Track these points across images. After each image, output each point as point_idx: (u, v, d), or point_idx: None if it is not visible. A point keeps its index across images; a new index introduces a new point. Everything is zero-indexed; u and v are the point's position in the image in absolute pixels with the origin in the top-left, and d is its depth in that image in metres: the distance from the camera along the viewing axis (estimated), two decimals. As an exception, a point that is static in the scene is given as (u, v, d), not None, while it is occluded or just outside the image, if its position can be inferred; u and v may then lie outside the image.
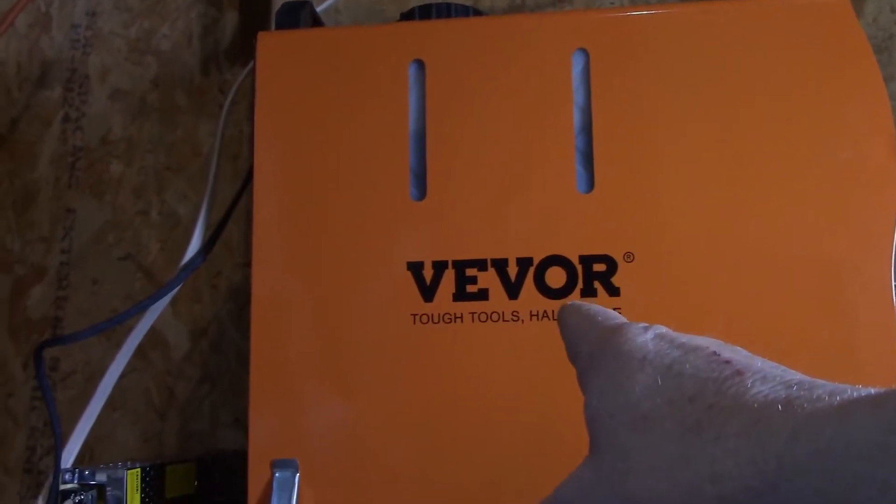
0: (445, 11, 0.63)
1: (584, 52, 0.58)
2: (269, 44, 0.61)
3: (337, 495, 0.57)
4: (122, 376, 0.67)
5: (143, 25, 0.92)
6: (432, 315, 0.57)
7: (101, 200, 0.90)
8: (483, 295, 0.57)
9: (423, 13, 0.62)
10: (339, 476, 0.57)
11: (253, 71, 0.70)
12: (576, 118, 0.58)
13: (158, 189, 0.89)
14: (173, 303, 0.82)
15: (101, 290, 0.88)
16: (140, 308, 0.62)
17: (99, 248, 0.89)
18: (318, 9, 0.71)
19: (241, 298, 0.86)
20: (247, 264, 0.86)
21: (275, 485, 0.56)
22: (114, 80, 0.92)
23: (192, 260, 0.63)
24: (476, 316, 0.57)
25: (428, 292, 0.57)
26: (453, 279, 0.57)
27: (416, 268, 0.58)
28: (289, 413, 0.58)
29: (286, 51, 0.61)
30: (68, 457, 0.62)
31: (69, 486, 0.60)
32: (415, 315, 0.57)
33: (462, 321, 0.57)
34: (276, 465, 0.57)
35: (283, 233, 0.60)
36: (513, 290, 0.56)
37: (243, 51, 0.91)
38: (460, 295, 0.57)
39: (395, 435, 0.57)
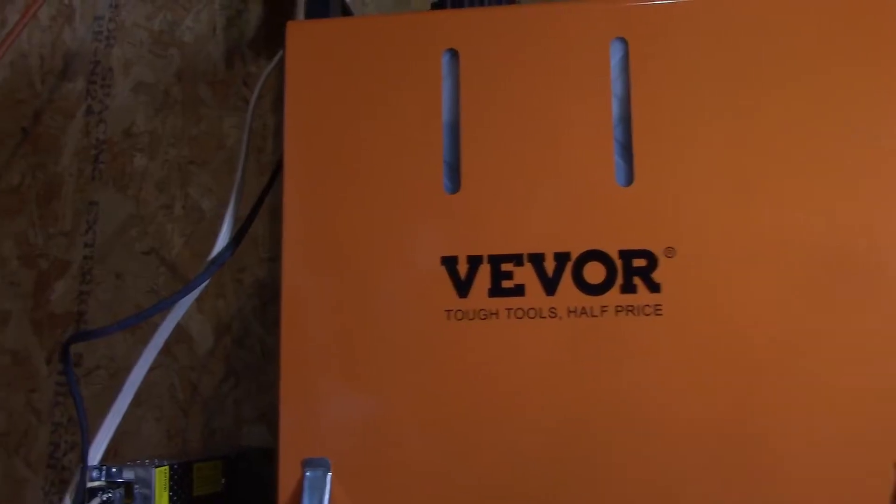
0: (479, 0, 0.61)
1: (623, 40, 0.57)
2: (299, 33, 0.60)
3: (368, 494, 0.55)
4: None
5: (166, 17, 0.91)
6: (467, 311, 0.56)
7: (124, 194, 0.89)
8: (519, 290, 0.55)
9: (456, 1, 0.61)
10: (370, 475, 0.56)
11: (279, 63, 0.69)
12: (614, 109, 0.56)
13: (182, 183, 0.88)
14: (197, 298, 0.81)
15: (125, 284, 0.87)
16: (169, 303, 0.61)
17: (122, 242, 0.88)
18: (347, -1, 0.70)
19: (265, 294, 0.85)
20: (272, 259, 0.85)
21: (306, 484, 0.55)
22: (137, 72, 0.91)
23: (222, 254, 0.62)
24: (512, 312, 0.55)
25: (462, 287, 0.56)
26: (489, 274, 0.56)
27: (450, 262, 0.56)
28: (319, 411, 0.57)
29: (316, 40, 0.60)
30: (95, 453, 0.61)
31: (96, 483, 0.59)
32: (449, 311, 0.56)
33: (497, 317, 0.55)
34: (307, 464, 0.56)
35: (314, 226, 0.58)
36: (550, 285, 0.55)
37: (267, 43, 0.90)
38: (496, 290, 0.56)
39: (427, 433, 0.55)
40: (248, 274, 0.85)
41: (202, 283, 0.61)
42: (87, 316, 0.87)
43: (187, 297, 0.63)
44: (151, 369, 0.64)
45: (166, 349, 0.84)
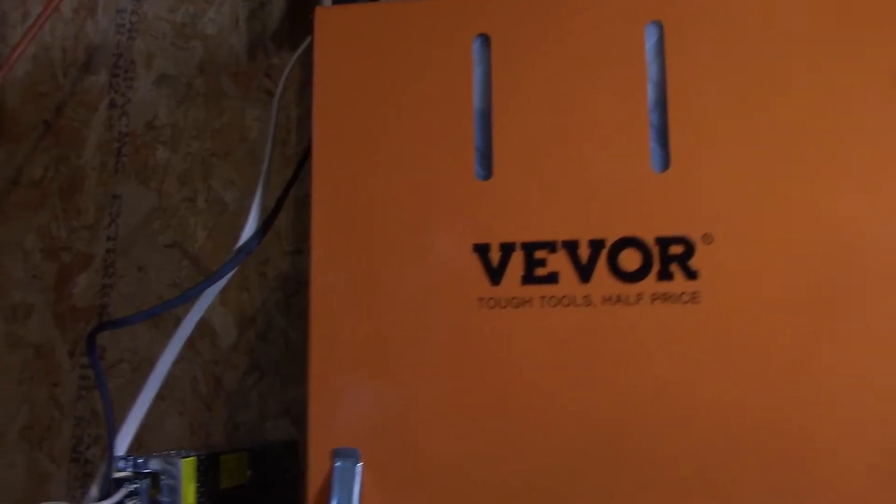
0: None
1: (658, 24, 0.56)
2: (327, 19, 0.59)
3: (399, 485, 0.55)
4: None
5: (188, 10, 0.91)
6: (499, 299, 0.55)
7: (147, 187, 0.88)
8: (553, 278, 0.54)
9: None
10: (400, 465, 0.55)
11: (304, 52, 0.68)
12: (650, 93, 0.55)
13: (205, 175, 0.87)
14: (221, 291, 0.81)
15: (148, 277, 0.87)
16: (195, 293, 0.61)
17: (145, 235, 0.88)
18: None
19: (289, 287, 0.84)
20: (296, 252, 0.84)
21: (335, 474, 0.54)
22: (159, 65, 0.90)
23: (249, 242, 0.61)
24: (546, 300, 0.54)
25: (495, 275, 0.55)
26: (522, 261, 0.55)
27: (482, 250, 0.55)
28: (349, 401, 0.56)
29: (345, 26, 0.59)
30: (121, 445, 0.60)
31: (123, 473, 0.58)
32: (481, 299, 0.55)
33: (531, 305, 0.54)
34: (337, 454, 0.55)
35: (342, 215, 0.57)
36: (584, 272, 0.54)
37: (290, 35, 0.89)
38: (529, 278, 0.55)
39: (458, 422, 0.54)
40: (271, 267, 0.84)
41: (229, 271, 0.61)
42: (109, 309, 0.87)
43: (212, 287, 0.62)
44: (174, 363, 0.64)
45: (189, 343, 0.83)
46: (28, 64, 0.93)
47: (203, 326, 0.84)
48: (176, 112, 0.89)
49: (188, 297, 0.61)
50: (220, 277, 0.61)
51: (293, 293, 0.84)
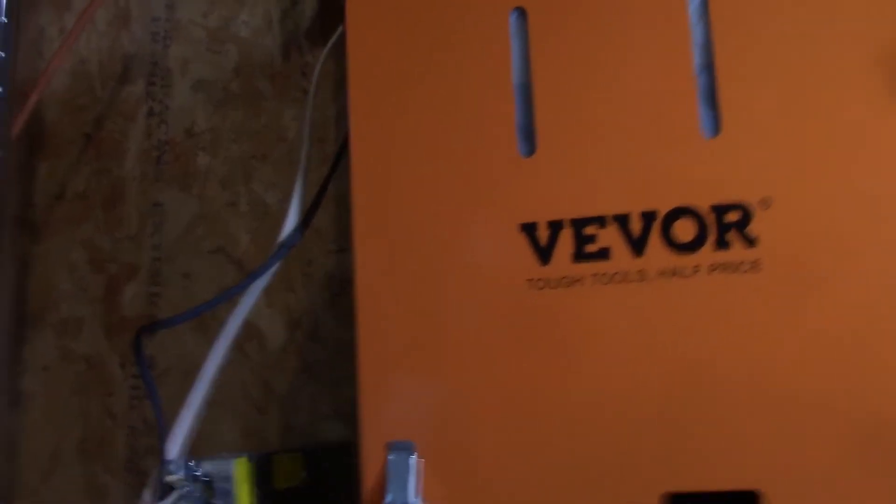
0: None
1: (700, -15, 0.53)
2: (359, 2, 0.58)
3: (457, 476, 0.53)
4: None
5: (221, 13, 0.90)
6: (550, 279, 0.53)
7: (188, 193, 0.88)
8: (604, 254, 0.52)
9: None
10: (456, 456, 0.53)
11: (336, 44, 0.67)
12: (696, 57, 0.53)
13: (245, 179, 0.87)
14: (267, 293, 0.80)
15: (194, 284, 0.86)
16: (240, 289, 0.59)
17: (189, 242, 0.87)
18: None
19: (334, 286, 0.83)
20: (339, 251, 0.83)
21: (389, 468, 0.53)
22: (195, 70, 0.90)
23: (290, 237, 0.60)
24: (598, 277, 0.52)
25: (544, 254, 0.53)
26: (571, 239, 0.53)
27: (529, 229, 0.53)
28: (401, 394, 0.54)
29: (377, 8, 0.57)
30: (172, 448, 0.60)
31: (175, 477, 0.57)
32: (530, 280, 0.53)
33: (582, 284, 0.52)
34: (390, 447, 0.53)
35: (384, 206, 0.56)
36: (637, 246, 0.52)
37: (323, 32, 0.88)
38: (579, 255, 0.53)
39: (513, 408, 0.53)
40: (316, 267, 0.83)
41: (272, 266, 0.60)
42: (158, 317, 0.86)
43: (256, 285, 0.61)
44: (223, 368, 0.63)
45: (237, 347, 0.82)
46: (66, 78, 0.93)
47: (250, 330, 0.83)
48: (214, 117, 0.89)
49: (231, 294, 0.60)
50: (263, 273, 0.60)
51: (339, 292, 0.82)
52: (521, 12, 0.56)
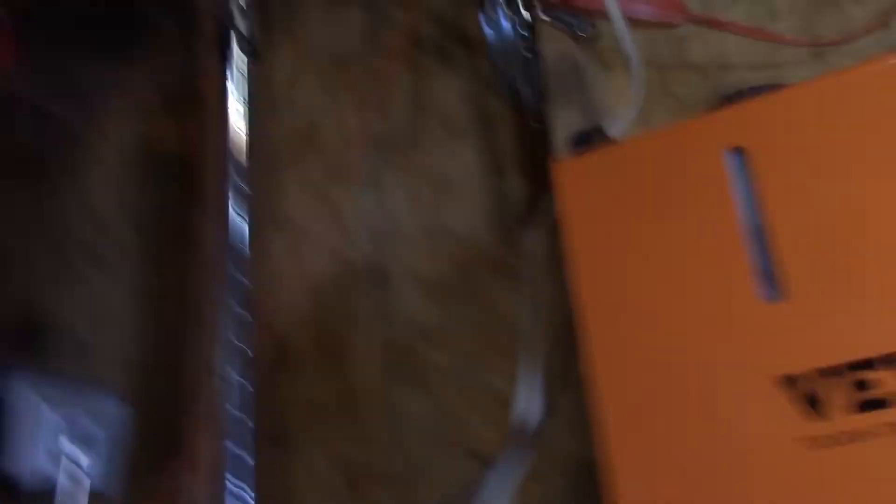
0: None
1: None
2: (566, 169, 0.57)
3: None
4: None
5: (437, 211, 0.93)
6: (822, 436, 0.46)
7: (425, 392, 0.87)
8: (885, 403, 0.45)
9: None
10: None
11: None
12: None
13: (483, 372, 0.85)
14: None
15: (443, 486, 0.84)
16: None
17: (433, 443, 0.86)
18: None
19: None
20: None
21: None
22: (414, 267, 0.92)
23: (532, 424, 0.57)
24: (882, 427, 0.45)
25: (816, 407, 0.47)
26: (846, 387, 0.46)
27: (790, 381, 0.47)
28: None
29: (584, 173, 0.56)
30: None
31: None
32: (799, 438, 0.46)
33: (865, 439, 0.45)
34: None
35: (624, 371, 0.52)
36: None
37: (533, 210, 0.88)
38: (857, 405, 0.46)
39: None
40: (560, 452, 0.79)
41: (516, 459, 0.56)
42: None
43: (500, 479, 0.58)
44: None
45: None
46: (299, 294, 0.98)
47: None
48: (443, 315, 0.89)
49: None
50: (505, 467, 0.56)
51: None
52: (740, 151, 0.52)
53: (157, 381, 0.99)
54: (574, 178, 0.56)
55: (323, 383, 0.94)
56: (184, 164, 1.06)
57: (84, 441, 0.66)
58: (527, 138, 0.89)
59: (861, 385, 0.46)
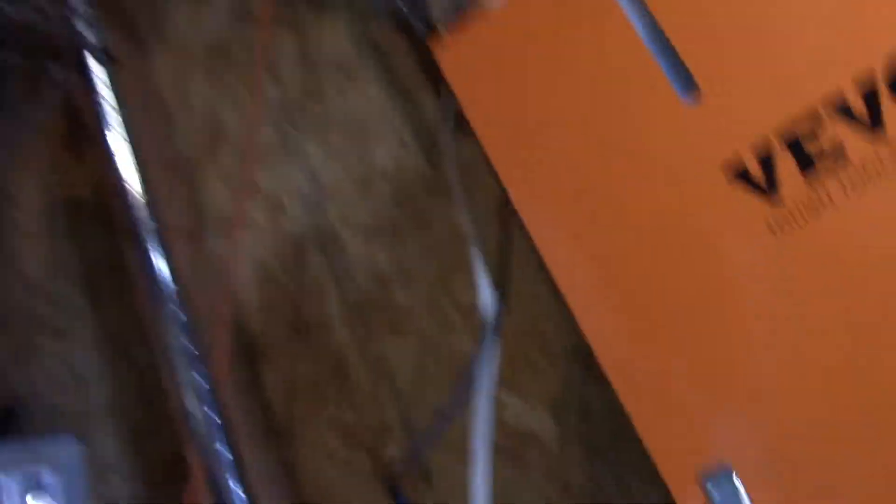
0: None
1: None
2: (449, 48, 0.54)
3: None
4: None
5: (362, 159, 0.90)
6: (784, 215, 0.44)
7: (403, 336, 0.85)
8: (838, 153, 0.43)
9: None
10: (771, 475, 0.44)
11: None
12: None
13: (448, 292, 0.83)
14: (517, 388, 0.74)
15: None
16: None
17: (424, 381, 0.84)
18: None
19: (581, 356, 0.76)
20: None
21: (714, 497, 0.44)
22: (358, 221, 0.89)
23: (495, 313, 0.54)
24: (843, 187, 0.42)
25: (769, 188, 0.44)
26: (790, 159, 0.44)
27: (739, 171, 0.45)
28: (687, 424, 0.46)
29: (469, 44, 0.53)
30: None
31: None
32: (762, 224, 0.44)
33: (832, 201, 0.43)
34: (705, 477, 0.45)
35: (566, 217, 0.50)
36: (874, 118, 0.42)
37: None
38: (806, 167, 0.43)
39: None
40: (552, 342, 0.77)
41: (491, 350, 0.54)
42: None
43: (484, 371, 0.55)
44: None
45: (518, 458, 0.76)
46: (253, 288, 0.95)
47: (523, 439, 0.77)
48: (395, 252, 0.87)
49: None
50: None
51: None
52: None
53: (135, 415, 0.96)
54: (459, 53, 0.53)
55: (303, 361, 0.91)
56: (97, 203, 1.02)
57: (47, 490, 0.66)
58: (423, 51, 0.86)
59: (795, 146, 0.43)
